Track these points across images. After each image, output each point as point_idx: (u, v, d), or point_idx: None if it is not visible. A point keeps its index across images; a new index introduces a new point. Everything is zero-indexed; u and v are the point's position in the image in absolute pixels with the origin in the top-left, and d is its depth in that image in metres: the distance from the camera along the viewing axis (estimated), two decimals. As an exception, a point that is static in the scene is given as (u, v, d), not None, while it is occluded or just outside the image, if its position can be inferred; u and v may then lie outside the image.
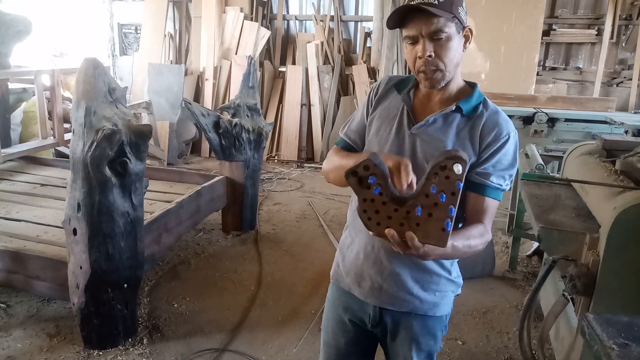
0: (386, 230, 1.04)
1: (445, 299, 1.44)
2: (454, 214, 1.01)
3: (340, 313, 1.52)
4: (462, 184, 1.00)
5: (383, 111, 1.41)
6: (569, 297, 1.89)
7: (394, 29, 1.28)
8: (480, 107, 1.32)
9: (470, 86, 1.37)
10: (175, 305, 3.08)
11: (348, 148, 1.48)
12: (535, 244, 3.86)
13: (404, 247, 1.05)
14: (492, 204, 1.29)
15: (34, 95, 4.50)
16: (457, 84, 1.35)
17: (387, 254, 1.37)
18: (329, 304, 1.58)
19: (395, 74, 6.51)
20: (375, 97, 1.44)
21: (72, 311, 2.64)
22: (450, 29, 1.22)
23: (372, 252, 1.40)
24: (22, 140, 5.04)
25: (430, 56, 1.23)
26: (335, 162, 1.41)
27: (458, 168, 1.00)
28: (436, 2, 1.18)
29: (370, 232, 1.08)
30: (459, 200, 1.01)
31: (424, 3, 1.18)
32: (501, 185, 1.30)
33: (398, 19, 1.24)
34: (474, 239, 1.22)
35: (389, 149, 1.33)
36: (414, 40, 1.24)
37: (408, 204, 1.04)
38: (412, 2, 1.20)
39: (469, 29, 1.29)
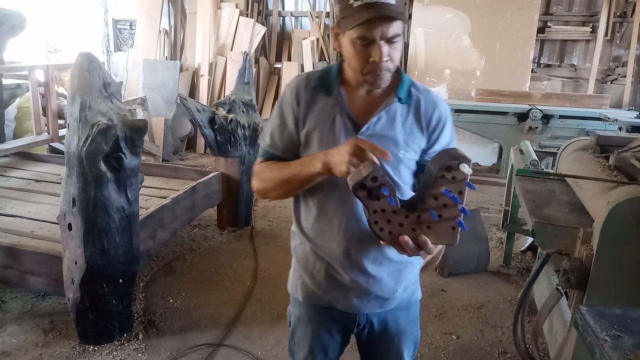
0: (400, 238, 1.05)
1: (418, 281, 1.48)
2: (464, 211, 1.03)
3: (326, 328, 1.45)
4: (470, 182, 1.02)
5: (318, 120, 1.29)
6: (562, 291, 1.91)
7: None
8: (412, 89, 1.31)
9: (395, 70, 1.30)
10: (171, 300, 3.08)
11: (277, 160, 1.35)
12: (530, 240, 3.88)
13: (416, 251, 1.08)
14: None
15: (28, 91, 4.48)
16: None
17: (368, 261, 1.32)
18: (306, 324, 1.46)
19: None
20: (299, 106, 1.31)
21: (67, 306, 2.64)
22: (402, 30, 1.18)
23: (349, 263, 1.31)
24: (16, 136, 5.02)
25: (386, 60, 1.18)
26: (275, 176, 1.29)
27: (465, 168, 1.01)
28: (394, 3, 1.13)
29: (382, 242, 1.09)
30: (465, 198, 1.03)
31: (386, 7, 1.12)
32: None
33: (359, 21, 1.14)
34: None
35: None
36: (369, 42, 1.16)
37: (418, 209, 1.06)
38: (368, 2, 1.12)
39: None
